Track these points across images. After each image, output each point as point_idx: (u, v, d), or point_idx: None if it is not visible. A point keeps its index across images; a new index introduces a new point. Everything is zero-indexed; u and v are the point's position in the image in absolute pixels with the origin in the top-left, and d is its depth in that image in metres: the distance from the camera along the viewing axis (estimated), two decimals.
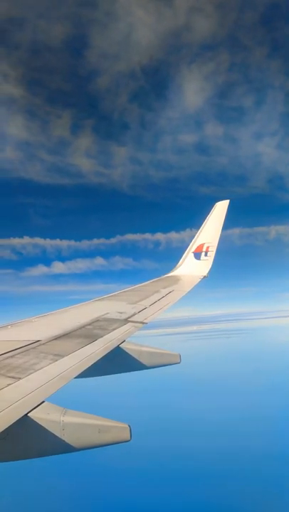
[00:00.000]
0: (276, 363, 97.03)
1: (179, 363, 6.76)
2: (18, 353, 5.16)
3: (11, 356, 5.02)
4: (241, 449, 54.92)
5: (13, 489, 44.88)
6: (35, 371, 4.45)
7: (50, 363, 4.77)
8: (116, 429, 3.91)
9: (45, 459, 4.02)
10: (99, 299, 10.19)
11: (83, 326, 6.92)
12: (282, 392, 72.55)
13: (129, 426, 3.91)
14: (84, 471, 48.48)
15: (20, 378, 4.20)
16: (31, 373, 4.37)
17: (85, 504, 45.26)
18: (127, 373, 6.64)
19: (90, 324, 7.11)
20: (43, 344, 5.69)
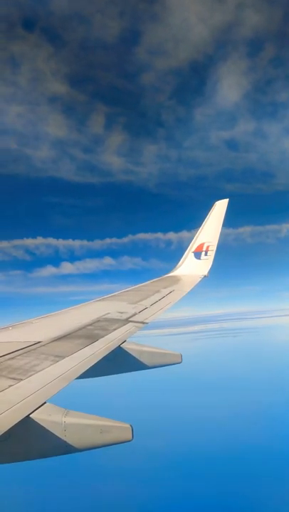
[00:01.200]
0: (280, 361, 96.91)
1: (180, 362, 6.76)
2: (19, 355, 5.16)
3: (12, 358, 5.02)
4: (242, 448, 54.91)
5: (16, 490, 44.88)
6: (37, 372, 4.45)
7: (51, 364, 4.78)
8: (118, 429, 3.91)
9: (48, 459, 4.03)
10: (100, 299, 10.19)
11: (84, 327, 6.92)
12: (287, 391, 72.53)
13: (131, 426, 3.91)
14: (86, 471, 48.47)
15: (21, 380, 4.20)
16: (32, 374, 4.37)
17: (86, 504, 45.25)
18: (129, 373, 6.64)
19: (90, 325, 7.11)
20: (44, 345, 5.69)
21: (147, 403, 70.09)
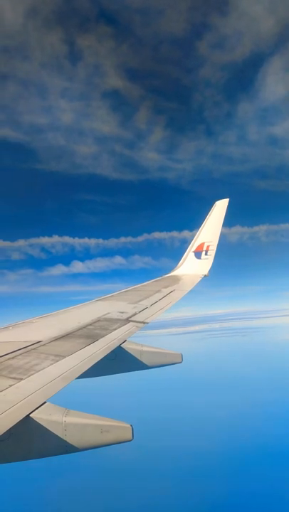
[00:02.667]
0: (282, 361, 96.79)
1: (180, 362, 6.75)
2: (19, 354, 5.16)
3: (13, 357, 5.01)
4: (244, 448, 54.91)
5: (16, 490, 44.91)
6: (37, 372, 4.45)
7: (52, 364, 4.77)
8: (118, 429, 3.90)
9: (47, 459, 4.02)
10: (100, 299, 10.19)
11: (84, 326, 6.92)
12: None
13: (131, 426, 3.91)
14: (86, 471, 48.49)
15: (21, 379, 4.20)
16: (33, 374, 4.37)
17: (87, 504, 45.26)
18: (129, 373, 6.64)
19: (91, 324, 7.11)
20: (44, 345, 5.69)
21: (147, 403, 70.11)
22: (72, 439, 3.78)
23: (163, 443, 56.18)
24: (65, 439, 3.76)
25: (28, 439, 3.73)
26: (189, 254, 13.68)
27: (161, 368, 6.78)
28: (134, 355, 6.37)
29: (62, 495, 46.31)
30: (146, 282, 12.43)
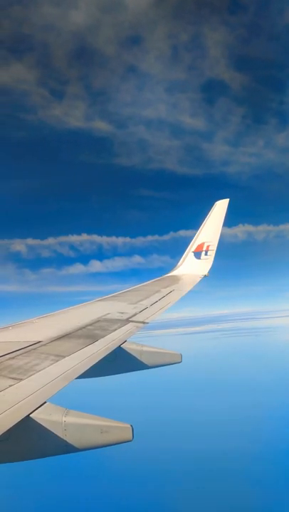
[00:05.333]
0: (284, 362, 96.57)
1: (180, 362, 6.77)
2: (19, 354, 5.17)
3: (13, 357, 5.02)
4: (244, 450, 54.89)
5: (16, 490, 44.91)
6: (37, 372, 4.46)
7: (52, 364, 4.78)
8: (118, 429, 3.90)
9: (47, 459, 4.03)
10: (100, 299, 10.21)
11: (84, 327, 6.92)
12: None
13: (131, 426, 3.91)
14: (86, 471, 48.49)
15: (21, 379, 4.20)
16: (33, 374, 4.37)
17: (86, 505, 45.26)
18: (129, 373, 6.64)
19: (91, 325, 7.12)
20: (45, 345, 5.70)
21: (148, 403, 70.10)
22: (72, 439, 3.78)
23: (163, 443, 56.17)
24: (65, 439, 3.77)
25: (28, 439, 3.73)
26: (189, 254, 13.69)
27: (162, 368, 6.78)
28: (134, 355, 6.38)
29: (62, 495, 46.30)
30: (146, 282, 12.45)
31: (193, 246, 13.69)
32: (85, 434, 3.85)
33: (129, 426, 3.90)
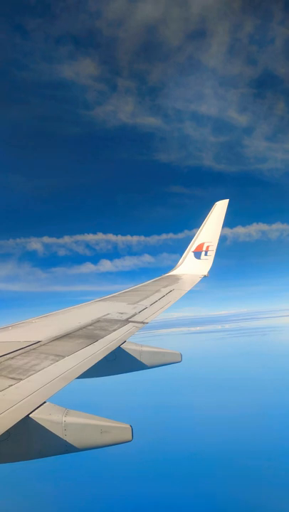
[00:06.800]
0: (285, 362, 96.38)
1: (180, 361, 6.77)
2: (19, 354, 5.16)
3: (12, 357, 5.02)
4: (244, 449, 54.88)
5: (15, 490, 44.88)
6: (37, 372, 4.45)
7: (51, 364, 4.78)
8: (118, 429, 3.91)
9: (47, 459, 4.03)
10: (100, 300, 10.20)
11: (84, 327, 6.92)
12: None
13: (130, 426, 3.91)
14: (85, 471, 48.47)
15: (21, 379, 4.20)
16: (32, 374, 4.37)
17: (86, 504, 45.25)
18: (129, 373, 6.64)
19: (90, 325, 7.12)
20: (44, 345, 5.69)
21: (147, 403, 70.09)
22: (72, 439, 3.78)
23: (163, 443, 56.16)
24: (64, 439, 3.77)
25: (28, 439, 3.73)
26: (189, 254, 13.69)
27: (162, 368, 6.78)
28: (133, 355, 6.38)
29: (62, 495, 46.29)
30: (145, 282, 12.44)
31: (193, 246, 13.69)
32: (85, 434, 3.85)
33: (128, 426, 3.90)
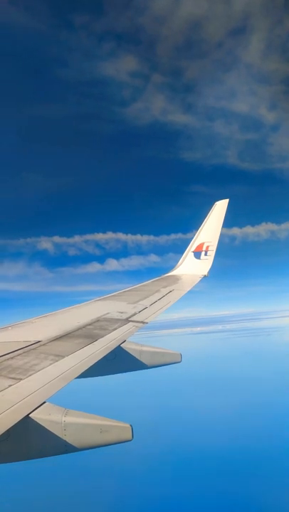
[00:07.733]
0: (286, 363, 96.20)
1: (180, 361, 6.76)
2: (18, 354, 5.16)
3: (12, 357, 5.01)
4: (244, 449, 54.88)
5: (15, 490, 44.87)
6: (36, 372, 4.45)
7: (51, 364, 4.77)
8: (118, 429, 3.90)
9: (47, 459, 4.02)
10: (100, 299, 10.19)
11: (84, 326, 6.91)
12: None
13: (130, 426, 3.91)
14: (85, 471, 48.45)
15: (21, 379, 4.19)
16: (32, 374, 4.37)
17: (86, 505, 45.24)
18: (129, 373, 6.63)
19: (90, 324, 7.11)
20: (44, 345, 5.69)
21: (147, 403, 70.08)
22: (71, 438, 3.78)
23: (163, 443, 56.15)
24: (64, 438, 3.76)
25: (28, 439, 3.73)
26: (188, 254, 13.68)
27: (163, 368, 6.78)
28: (133, 355, 6.37)
29: (61, 495, 46.27)
30: (145, 282, 12.43)
31: (193, 246, 13.69)
32: (85, 433, 3.84)
33: (128, 425, 3.90)
